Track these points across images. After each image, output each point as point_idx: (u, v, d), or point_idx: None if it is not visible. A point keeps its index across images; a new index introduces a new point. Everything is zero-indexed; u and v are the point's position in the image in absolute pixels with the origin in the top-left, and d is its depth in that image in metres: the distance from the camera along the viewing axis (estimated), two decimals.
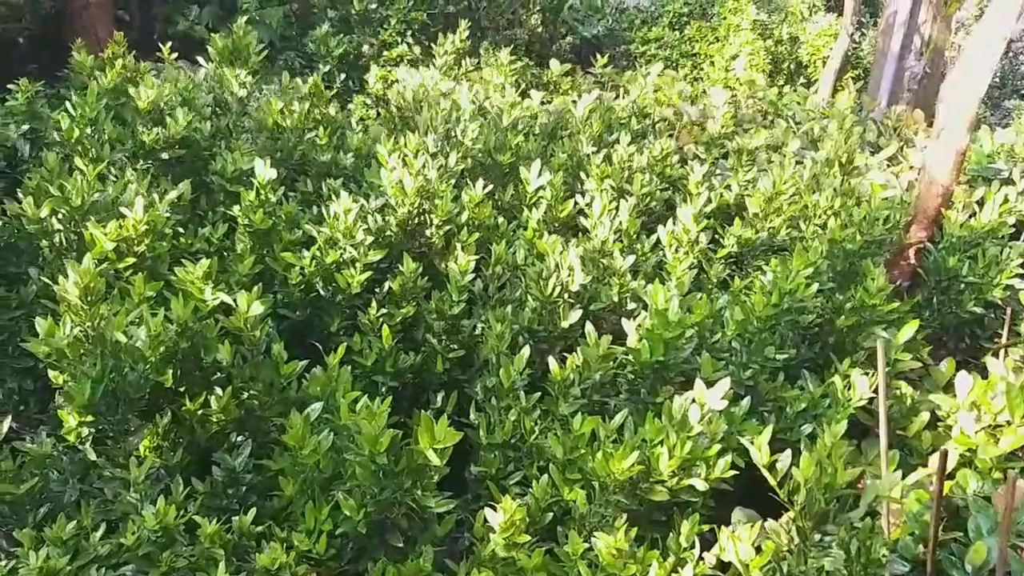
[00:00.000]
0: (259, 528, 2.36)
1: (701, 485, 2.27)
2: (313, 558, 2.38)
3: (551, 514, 2.47)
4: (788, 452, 2.08)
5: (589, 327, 2.84)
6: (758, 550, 2.03)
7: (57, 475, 2.57)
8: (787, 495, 1.93)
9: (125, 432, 2.49)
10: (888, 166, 5.67)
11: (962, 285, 3.85)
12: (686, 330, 2.72)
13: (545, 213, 3.71)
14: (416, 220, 3.41)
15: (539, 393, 2.86)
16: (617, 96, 6.04)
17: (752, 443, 2.05)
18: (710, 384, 2.40)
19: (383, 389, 3.05)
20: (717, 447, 2.30)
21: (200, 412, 2.71)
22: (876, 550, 1.97)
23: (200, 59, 4.54)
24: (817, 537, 1.91)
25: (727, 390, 2.27)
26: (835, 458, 1.86)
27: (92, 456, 2.55)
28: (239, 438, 2.66)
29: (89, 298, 2.31)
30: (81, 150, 3.31)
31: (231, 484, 2.55)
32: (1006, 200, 4.01)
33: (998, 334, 3.98)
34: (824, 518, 1.91)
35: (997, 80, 8.50)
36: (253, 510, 2.36)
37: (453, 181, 3.62)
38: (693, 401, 2.26)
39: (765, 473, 2.01)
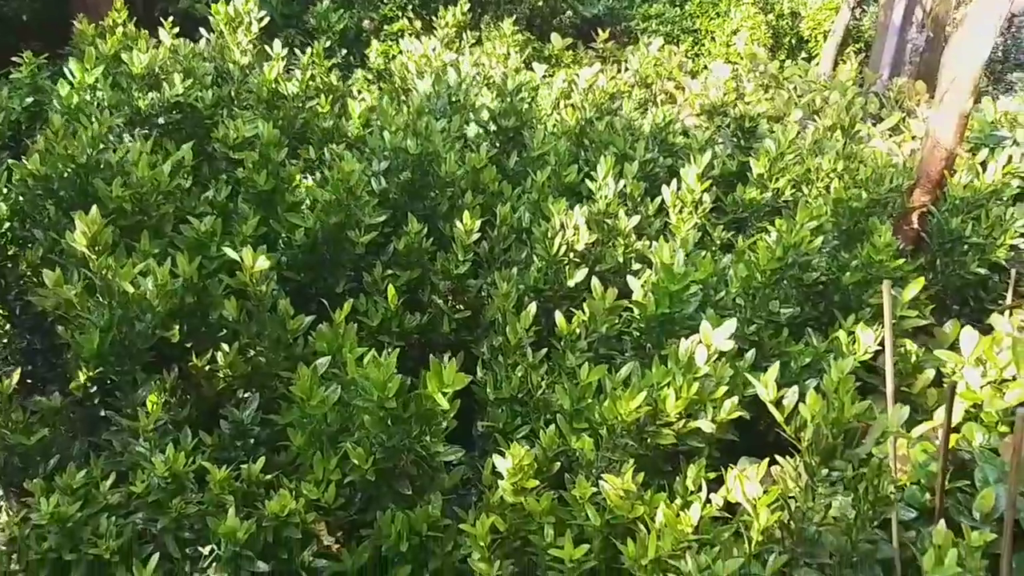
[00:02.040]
0: (268, 477, 2.36)
1: (708, 427, 2.28)
2: (322, 507, 2.39)
3: (559, 463, 2.48)
4: (795, 388, 2.08)
5: (595, 282, 2.85)
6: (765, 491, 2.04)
7: (65, 430, 2.58)
8: (794, 432, 1.94)
9: (132, 385, 2.50)
10: (890, 136, 5.68)
11: (965, 246, 3.85)
12: (691, 284, 2.73)
13: (550, 178, 3.71)
14: (420, 182, 3.40)
15: (545, 349, 2.87)
16: (619, 71, 6.04)
17: (759, 380, 2.05)
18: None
19: (389, 350, 3.05)
20: (723, 388, 2.31)
21: (207, 368, 2.72)
22: (884, 487, 1.97)
23: (202, 30, 4.53)
24: (824, 472, 1.91)
25: (732, 332, 2.27)
26: (842, 392, 1.86)
27: (101, 412, 2.57)
28: (246, 394, 2.66)
29: (97, 248, 2.32)
30: (82, 116, 3.30)
31: (239, 436, 2.56)
32: (1009, 161, 4.00)
33: (1002, 296, 3.98)
34: (831, 454, 1.92)
35: (1000, 54, 8.48)
36: (262, 459, 2.36)
37: (457, 145, 3.62)
38: (700, 343, 2.26)
39: (772, 409, 2.01)
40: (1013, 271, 3.89)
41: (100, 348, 2.30)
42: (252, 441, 2.58)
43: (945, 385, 3.25)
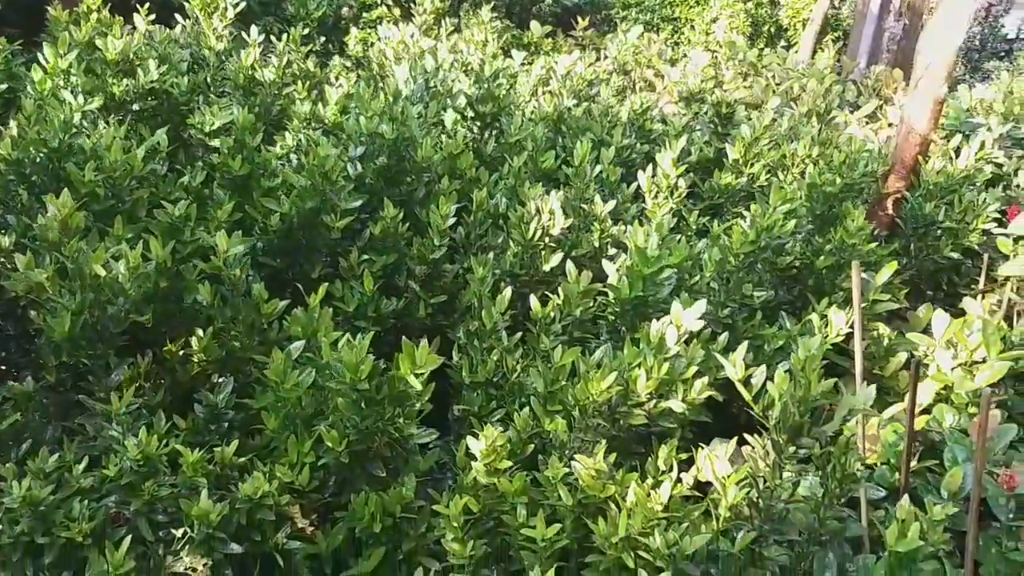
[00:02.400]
0: (241, 460, 2.37)
1: (678, 406, 2.30)
2: (296, 489, 2.39)
3: (532, 446, 2.49)
4: (763, 368, 2.10)
5: (570, 265, 2.86)
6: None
7: (39, 416, 2.57)
8: (762, 411, 1.96)
9: (105, 369, 2.49)
10: (867, 123, 5.71)
11: (938, 231, 3.89)
12: (665, 268, 2.74)
13: (527, 164, 3.72)
14: (395, 168, 3.40)
15: (520, 333, 2.88)
16: (598, 59, 6.05)
17: (727, 359, 2.07)
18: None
19: (362, 334, 3.06)
20: (694, 369, 2.33)
21: (181, 353, 2.72)
22: (851, 465, 2.00)
23: (178, 16, 4.51)
24: (792, 450, 1.93)
25: (703, 313, 2.29)
26: (809, 371, 1.89)
27: (75, 397, 2.57)
28: (221, 379, 2.66)
29: (68, 232, 2.31)
30: (55, 101, 3.28)
31: (213, 420, 2.56)
32: (982, 146, 4.04)
33: (975, 280, 4.03)
34: (799, 432, 1.94)
35: (977, 43, 8.53)
36: (235, 442, 2.37)
37: (434, 131, 3.62)
38: (671, 324, 2.28)
39: (740, 388, 2.03)
40: (986, 256, 3.93)
41: (71, 331, 2.29)
42: (226, 425, 2.57)
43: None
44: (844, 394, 3.11)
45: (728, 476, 2.02)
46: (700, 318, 2.78)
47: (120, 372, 2.51)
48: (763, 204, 3.02)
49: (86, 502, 2.22)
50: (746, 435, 2.03)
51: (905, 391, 3.20)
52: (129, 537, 2.14)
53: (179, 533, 2.21)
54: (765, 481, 2.00)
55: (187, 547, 2.19)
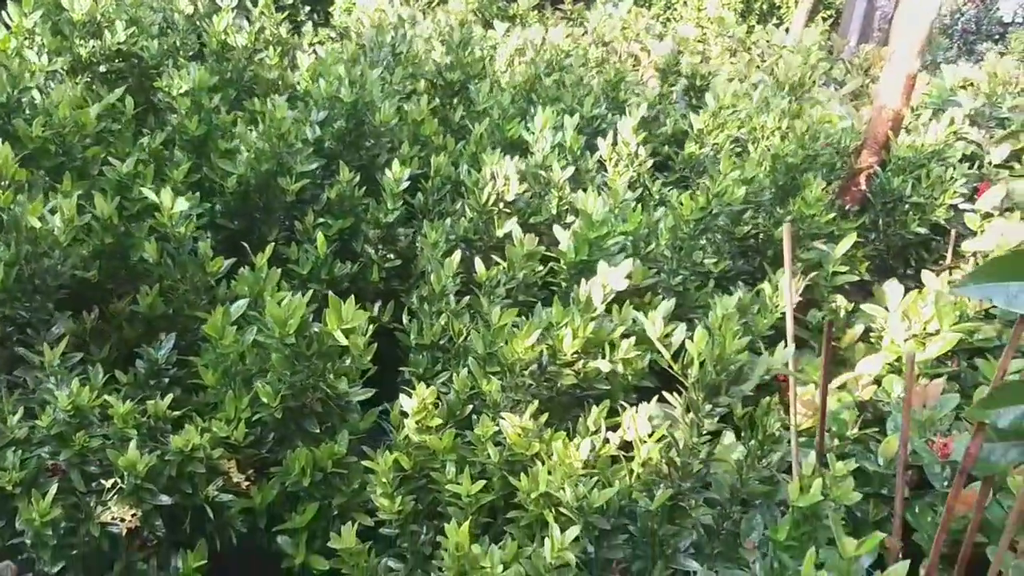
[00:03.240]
0: (176, 413, 2.38)
1: (605, 366, 2.30)
2: (232, 445, 2.41)
3: (471, 407, 2.50)
4: (683, 326, 2.10)
5: (515, 228, 2.86)
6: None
7: None
8: (681, 369, 1.96)
9: (45, 323, 2.51)
10: (851, 100, 5.68)
11: (907, 206, 3.88)
12: (611, 233, 2.74)
13: (491, 132, 3.71)
14: (355, 131, 3.40)
15: (468, 297, 2.88)
16: (585, 32, 6.02)
17: (647, 317, 2.07)
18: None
19: (318, 297, 3.06)
20: (621, 329, 2.34)
21: (128, 310, 2.74)
22: (771, 425, 2.00)
23: None
24: (708, 407, 1.93)
25: (630, 271, 2.28)
26: (725, 329, 1.88)
27: (19, 352, 2.58)
28: (165, 336, 2.67)
29: (3, 184, 2.32)
30: (18, 60, 3.28)
31: (153, 376, 2.57)
32: (952, 122, 4.01)
33: (943, 256, 4.01)
34: (716, 390, 1.94)
35: (972, 25, 8.45)
36: (170, 396, 2.38)
37: (397, 97, 3.62)
38: (597, 284, 2.28)
39: (659, 346, 2.03)
40: (953, 231, 3.92)
41: (5, 282, 2.30)
42: (167, 381, 2.59)
43: (873, 341, 3.30)
44: (799, 363, 3.12)
45: (649, 435, 2.03)
46: (649, 285, 2.80)
47: (61, 326, 2.52)
48: (714, 172, 3.01)
49: (19, 452, 2.24)
50: (665, 394, 2.03)
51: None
52: (55, 486, 2.16)
53: (109, 484, 2.22)
54: (683, 441, 2.00)
55: (115, 497, 2.21)
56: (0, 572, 3.06)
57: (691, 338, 1.95)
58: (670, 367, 1.98)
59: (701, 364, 1.93)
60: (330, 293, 2.29)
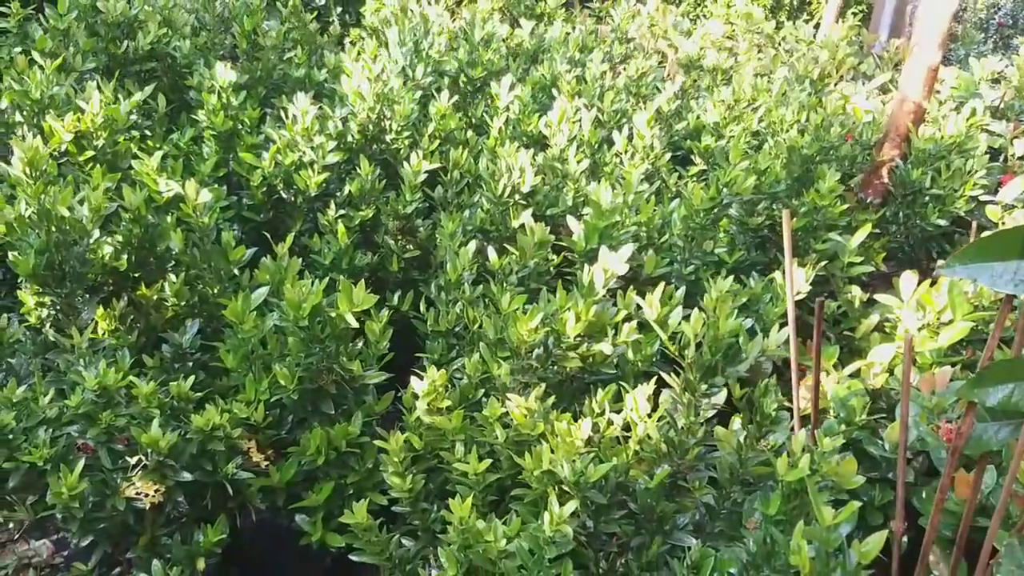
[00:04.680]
0: (199, 394, 2.48)
1: (608, 348, 2.36)
2: (252, 425, 2.50)
3: (482, 391, 2.57)
4: (680, 308, 2.15)
5: (527, 218, 2.92)
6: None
7: (26, 357, 2.71)
8: (678, 350, 2.01)
9: (76, 310, 2.62)
10: (878, 95, 5.66)
11: (927, 198, 3.87)
12: (623, 221, 2.79)
13: (514, 128, 3.78)
14: (376, 127, 3.49)
15: (481, 285, 2.96)
16: (612, 30, 6.06)
17: (644, 299, 2.12)
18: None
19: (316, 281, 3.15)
20: (624, 312, 2.39)
21: (156, 298, 2.85)
22: (768, 405, 2.04)
23: None
24: (704, 387, 1.98)
25: (631, 253, 2.34)
26: (719, 310, 1.93)
27: (51, 338, 2.70)
28: (192, 322, 2.78)
29: (35, 175, 2.44)
30: (54, 61, 3.42)
31: (178, 360, 2.68)
32: (973, 113, 4.00)
33: None
34: (712, 371, 1.99)
35: (1009, 20, 8.35)
36: (192, 378, 2.48)
37: (419, 93, 3.70)
38: (600, 268, 2.33)
39: (655, 327, 2.09)
40: (974, 223, 3.90)
41: (36, 268, 2.42)
42: (191, 365, 2.69)
43: (887, 330, 3.31)
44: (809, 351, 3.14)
45: (647, 415, 2.08)
46: (662, 274, 2.85)
47: (91, 312, 2.63)
48: (724, 161, 3.05)
49: (50, 430, 2.35)
50: (664, 375, 2.08)
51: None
52: (83, 462, 2.26)
53: (133, 461, 2.33)
54: (681, 421, 2.05)
55: (140, 473, 2.31)
56: (37, 550, 3.20)
57: (688, 320, 2.00)
58: (666, 349, 2.03)
59: (697, 345, 1.98)
60: (342, 278, 2.38)
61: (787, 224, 2.24)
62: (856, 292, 3.38)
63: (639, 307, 2.56)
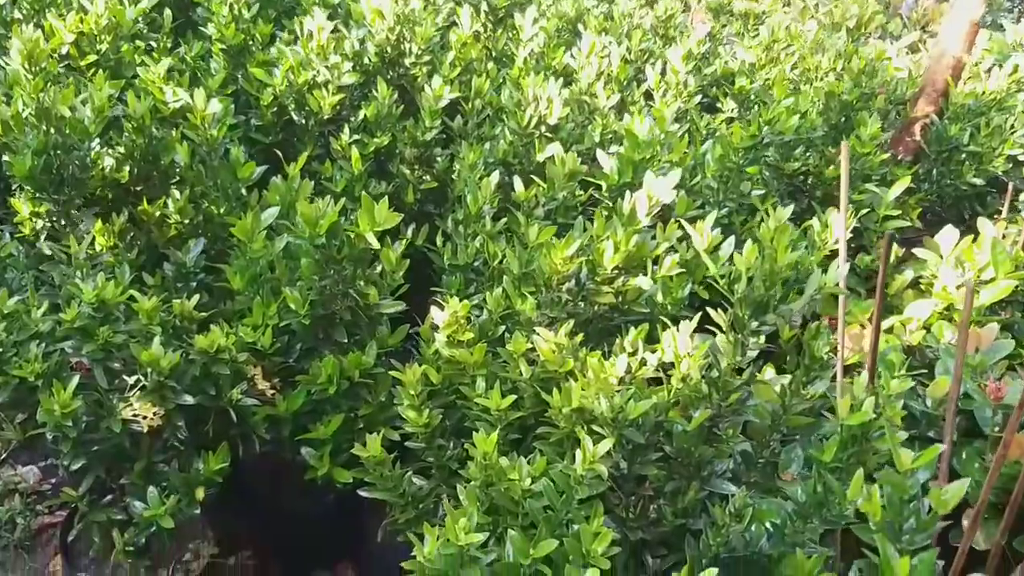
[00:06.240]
0: (204, 315, 2.33)
1: (646, 283, 2.21)
2: (258, 351, 2.35)
3: (503, 328, 2.42)
4: (732, 239, 2.01)
5: (557, 147, 2.76)
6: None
7: (18, 271, 2.55)
8: (728, 285, 1.86)
9: (72, 220, 2.45)
10: (907, 54, 5.48)
11: (963, 155, 3.71)
12: (657, 156, 2.63)
13: (538, 61, 3.60)
14: (395, 49, 3.30)
15: (505, 219, 2.80)
16: None
17: (694, 228, 1.96)
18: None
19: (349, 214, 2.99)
20: (665, 245, 2.24)
21: (158, 215, 2.68)
22: (819, 349, 1.90)
23: None
24: (755, 325, 1.84)
25: (675, 183, 2.18)
26: (778, 242, 1.78)
27: (46, 251, 2.54)
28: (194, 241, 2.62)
29: (35, 71, 2.26)
30: None
31: (181, 279, 2.52)
32: (1016, 69, 3.83)
33: (999, 211, 3.85)
34: (763, 307, 1.84)
35: None
36: (196, 297, 2.32)
37: (440, 16, 3.52)
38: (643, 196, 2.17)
39: (705, 258, 1.93)
40: (1011, 184, 3.75)
41: (32, 171, 2.25)
42: (194, 285, 2.54)
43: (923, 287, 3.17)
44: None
45: (688, 353, 1.94)
46: (692, 217, 2.69)
47: (89, 224, 2.46)
48: (768, 99, 2.88)
49: (43, 345, 2.20)
50: (710, 310, 1.93)
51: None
52: (77, 379, 2.11)
53: (131, 380, 2.18)
54: (727, 358, 1.91)
55: (138, 394, 2.16)
56: (23, 476, 3.06)
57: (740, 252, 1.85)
58: (715, 281, 1.88)
59: (749, 279, 1.83)
60: (364, 193, 2.21)
61: (845, 157, 2.08)
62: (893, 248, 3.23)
63: (680, 241, 2.42)
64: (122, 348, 2.21)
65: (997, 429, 2.39)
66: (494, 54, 3.79)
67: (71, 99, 2.28)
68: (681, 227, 2.25)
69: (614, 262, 2.11)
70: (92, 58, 2.74)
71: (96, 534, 2.40)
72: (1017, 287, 2.92)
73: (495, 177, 2.81)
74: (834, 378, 2.33)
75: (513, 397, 2.09)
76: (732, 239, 1.99)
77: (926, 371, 2.67)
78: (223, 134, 2.61)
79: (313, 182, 2.72)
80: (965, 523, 2.30)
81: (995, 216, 3.88)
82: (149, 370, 2.14)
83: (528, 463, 1.89)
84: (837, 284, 1.84)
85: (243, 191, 2.67)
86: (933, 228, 3.72)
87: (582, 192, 2.81)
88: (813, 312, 2.97)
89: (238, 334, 2.28)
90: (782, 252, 1.76)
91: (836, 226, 2.78)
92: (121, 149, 2.61)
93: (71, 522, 2.48)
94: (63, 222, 2.46)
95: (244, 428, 2.33)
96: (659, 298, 2.46)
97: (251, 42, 3.20)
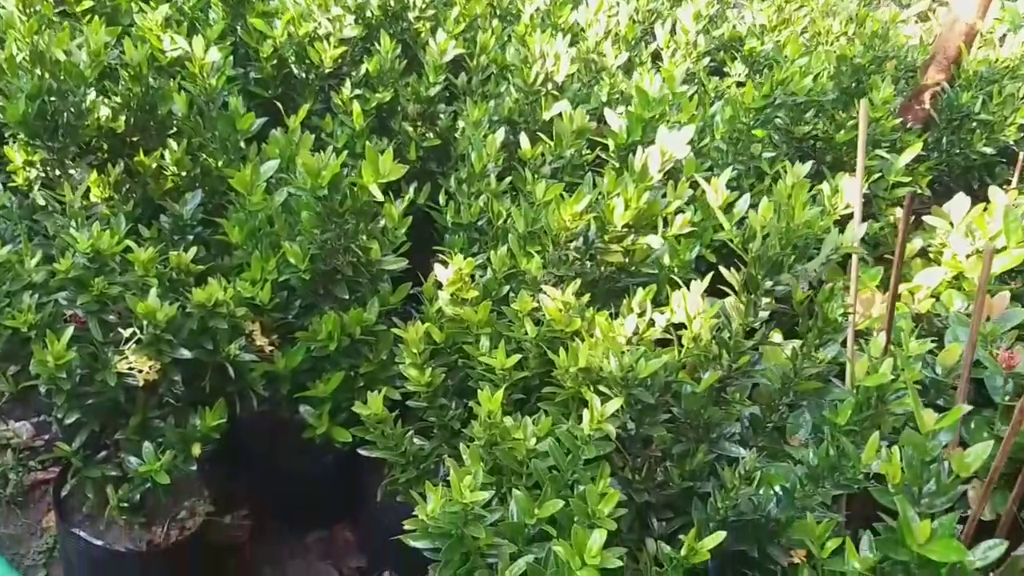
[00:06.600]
0: (201, 268, 2.27)
1: (657, 242, 2.16)
2: (257, 306, 2.30)
3: (508, 287, 2.37)
4: (747, 196, 1.95)
5: (564, 104, 2.69)
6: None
7: (11, 222, 2.49)
8: (742, 243, 1.81)
9: (66, 169, 2.39)
10: (917, 22, 5.40)
11: (974, 124, 3.65)
12: (667, 112, 2.57)
13: (543, 19, 3.52)
14: (399, 3, 3.22)
15: (510, 178, 2.74)
16: None
17: (708, 183, 1.91)
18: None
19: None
20: (677, 203, 2.19)
21: (155, 166, 2.61)
22: (833, 311, 1.85)
23: None
24: (768, 284, 1.79)
25: (689, 139, 2.12)
26: (795, 197, 1.73)
27: (40, 200, 2.47)
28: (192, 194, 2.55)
29: (28, 11, 2.18)
30: None
31: (177, 232, 2.46)
32: None
33: (1008, 181, 3.80)
34: (778, 267, 1.79)
35: None
36: (193, 249, 2.26)
37: None
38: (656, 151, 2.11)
39: (719, 215, 1.88)
40: (1022, 154, 3.69)
41: (25, 115, 2.18)
42: (191, 239, 2.48)
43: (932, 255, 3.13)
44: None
45: (698, 313, 1.89)
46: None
47: (84, 173, 2.40)
48: (781, 59, 2.81)
49: (36, 296, 2.14)
50: (723, 269, 1.88)
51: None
52: (71, 330, 2.05)
53: (127, 333, 2.12)
54: (738, 318, 1.86)
55: (133, 347, 2.11)
56: (16, 431, 3.01)
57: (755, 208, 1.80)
58: (729, 241, 1.82)
59: (764, 237, 1.78)
60: (368, 143, 2.15)
61: (863, 117, 2.02)
62: (899, 214, 3.18)
63: (688, 203, 2.37)
64: (117, 300, 2.15)
65: (1008, 398, 2.36)
66: (499, 11, 3.71)
67: (66, 43, 2.21)
68: (692, 186, 2.19)
69: (624, 219, 2.06)
70: (88, 3, 2.66)
71: (90, 490, 2.36)
72: None
73: (500, 135, 2.75)
74: (844, 343, 2.29)
75: (518, 356, 2.05)
76: (747, 196, 1.94)
77: (935, 340, 2.63)
78: (222, 84, 2.54)
79: (314, 137, 2.66)
80: (971, 493, 2.27)
81: (1004, 186, 3.84)
82: (145, 323, 2.08)
83: (533, 423, 1.85)
84: (853, 244, 1.79)
85: (242, 143, 2.59)
86: (940, 198, 3.67)
87: (589, 151, 2.75)
88: (819, 279, 2.93)
89: (236, 288, 2.23)
90: (799, 210, 1.71)
91: (847, 190, 2.73)
92: (117, 98, 2.54)
93: (64, 478, 2.43)
94: (57, 172, 2.39)
95: (242, 384, 2.28)
96: (666, 260, 2.42)
97: None
